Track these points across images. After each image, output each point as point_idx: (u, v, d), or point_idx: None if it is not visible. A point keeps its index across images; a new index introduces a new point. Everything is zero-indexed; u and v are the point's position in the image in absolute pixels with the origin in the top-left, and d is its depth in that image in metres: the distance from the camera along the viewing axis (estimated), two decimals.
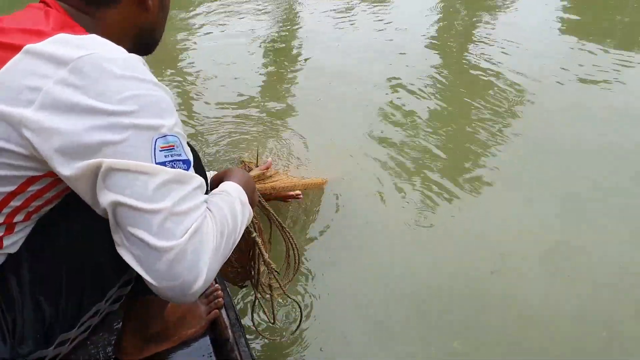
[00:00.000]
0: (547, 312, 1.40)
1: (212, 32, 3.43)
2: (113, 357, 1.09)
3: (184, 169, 0.66)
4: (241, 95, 2.57)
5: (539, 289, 1.47)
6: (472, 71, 2.85)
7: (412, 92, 2.57)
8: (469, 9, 3.96)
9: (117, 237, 0.65)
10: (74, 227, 0.78)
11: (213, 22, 3.63)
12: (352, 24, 3.56)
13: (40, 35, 0.67)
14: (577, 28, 3.53)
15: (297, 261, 1.29)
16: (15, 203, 0.70)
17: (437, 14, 3.83)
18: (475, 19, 3.71)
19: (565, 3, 3.99)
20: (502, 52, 3.05)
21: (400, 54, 3.04)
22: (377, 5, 3.90)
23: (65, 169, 0.63)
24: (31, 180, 0.69)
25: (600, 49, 3.08)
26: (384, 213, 1.75)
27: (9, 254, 0.74)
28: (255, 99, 2.55)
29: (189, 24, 3.60)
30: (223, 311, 1.22)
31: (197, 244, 0.63)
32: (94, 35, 0.69)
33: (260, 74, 2.85)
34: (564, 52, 3.07)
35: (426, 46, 3.21)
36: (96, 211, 0.67)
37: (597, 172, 1.96)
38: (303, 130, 2.22)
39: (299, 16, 3.87)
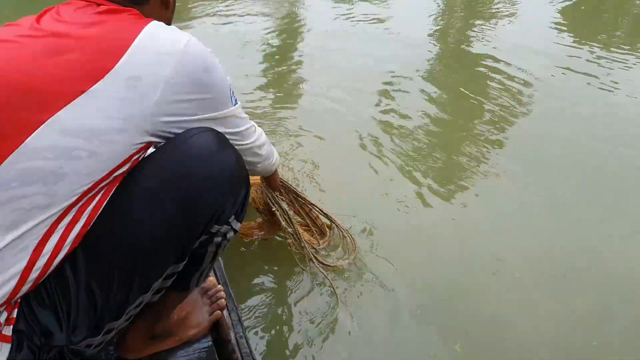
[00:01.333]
0: (539, 315, 1.41)
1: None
2: (115, 355, 1.10)
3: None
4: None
5: (532, 292, 1.48)
6: (469, 71, 2.87)
7: (407, 92, 2.58)
8: (467, 12, 3.98)
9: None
10: (124, 221, 0.84)
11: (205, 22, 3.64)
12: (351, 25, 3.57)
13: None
14: (574, 30, 3.55)
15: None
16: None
17: (437, 18, 3.85)
18: (472, 22, 3.73)
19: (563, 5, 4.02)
20: (500, 51, 3.07)
21: (398, 53, 3.06)
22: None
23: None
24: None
25: (596, 50, 3.11)
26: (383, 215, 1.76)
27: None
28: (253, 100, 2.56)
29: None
30: (225, 312, 1.23)
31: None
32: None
33: (253, 76, 2.86)
34: (561, 52, 3.10)
35: (426, 45, 3.24)
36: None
37: (594, 174, 1.98)
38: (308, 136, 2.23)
39: (299, 20, 3.88)
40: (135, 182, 0.84)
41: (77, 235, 0.80)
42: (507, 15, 3.87)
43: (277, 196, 1.52)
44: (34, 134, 0.74)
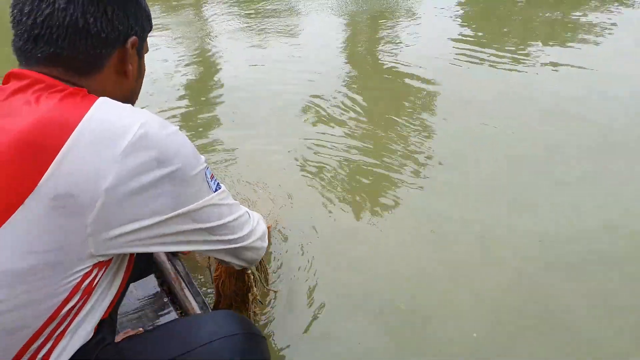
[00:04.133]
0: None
1: None
2: None
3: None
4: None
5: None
6: (386, 85, 3.04)
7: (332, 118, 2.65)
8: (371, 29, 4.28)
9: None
10: None
11: None
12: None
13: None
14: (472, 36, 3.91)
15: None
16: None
17: (344, 42, 4.08)
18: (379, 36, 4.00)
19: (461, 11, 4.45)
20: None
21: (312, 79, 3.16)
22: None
23: None
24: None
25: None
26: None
27: None
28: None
29: None
30: None
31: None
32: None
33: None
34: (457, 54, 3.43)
35: (340, 66, 3.40)
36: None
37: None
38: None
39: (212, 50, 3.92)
40: None
41: None
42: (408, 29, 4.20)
43: None
44: None
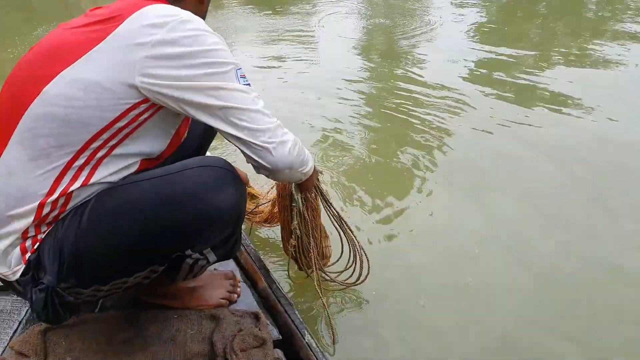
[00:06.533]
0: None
1: None
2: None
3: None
4: None
5: None
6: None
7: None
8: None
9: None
10: (120, 222, 0.96)
11: None
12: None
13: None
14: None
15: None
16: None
17: (359, 51, 4.21)
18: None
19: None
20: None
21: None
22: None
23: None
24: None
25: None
26: None
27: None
28: None
29: None
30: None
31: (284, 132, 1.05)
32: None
33: None
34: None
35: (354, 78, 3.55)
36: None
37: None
38: None
39: None
40: (137, 188, 0.97)
41: (86, 178, 0.95)
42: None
43: (302, 196, 1.37)
44: (50, 83, 0.91)
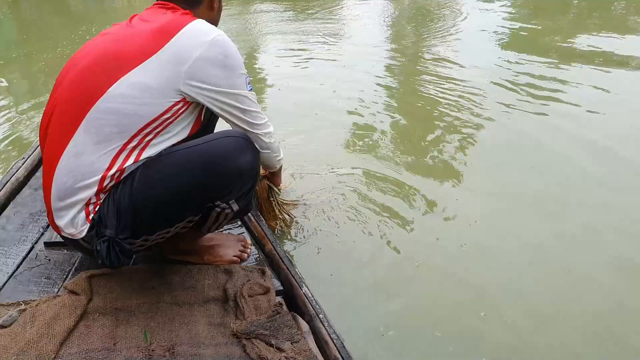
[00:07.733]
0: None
1: None
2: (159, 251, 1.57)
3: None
4: None
5: None
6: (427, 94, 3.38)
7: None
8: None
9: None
10: (166, 178, 1.25)
11: None
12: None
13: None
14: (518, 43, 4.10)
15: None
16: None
17: (389, 42, 4.48)
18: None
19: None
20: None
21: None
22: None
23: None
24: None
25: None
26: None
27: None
28: None
29: None
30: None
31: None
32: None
33: None
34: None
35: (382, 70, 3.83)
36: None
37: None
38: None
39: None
40: (181, 153, 1.27)
41: (137, 156, 1.24)
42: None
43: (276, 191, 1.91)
44: (113, 85, 1.20)
